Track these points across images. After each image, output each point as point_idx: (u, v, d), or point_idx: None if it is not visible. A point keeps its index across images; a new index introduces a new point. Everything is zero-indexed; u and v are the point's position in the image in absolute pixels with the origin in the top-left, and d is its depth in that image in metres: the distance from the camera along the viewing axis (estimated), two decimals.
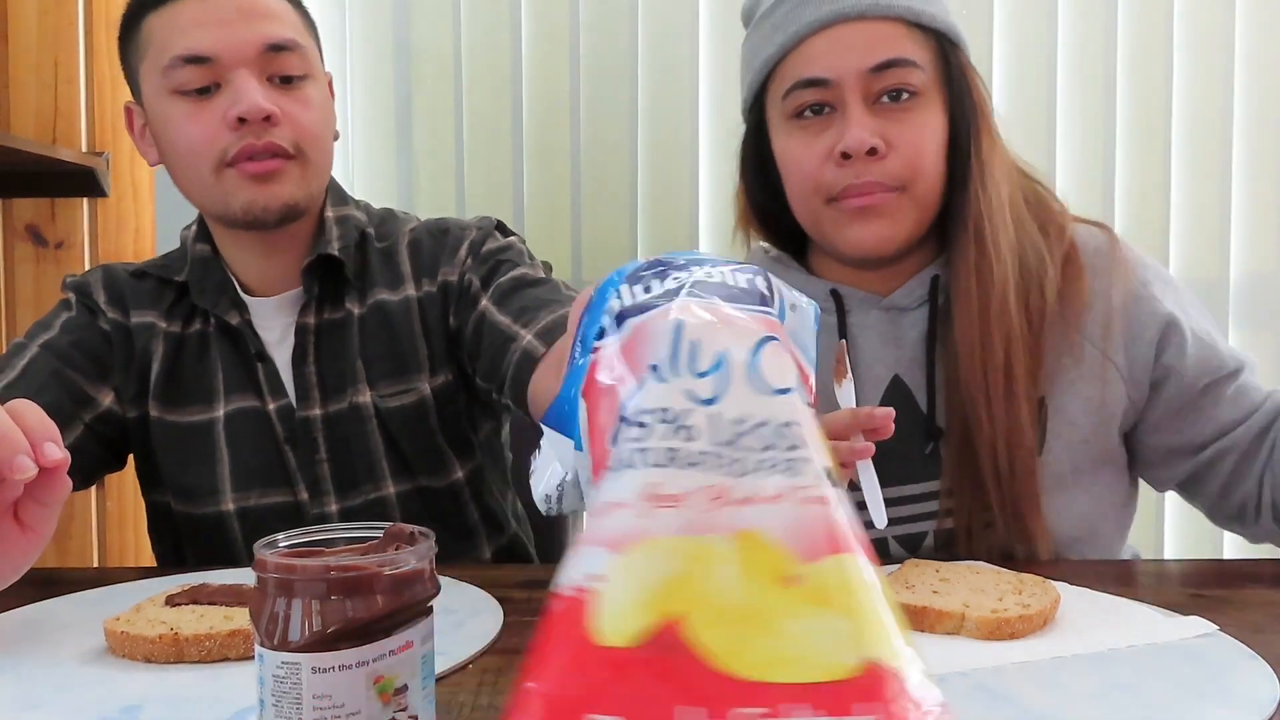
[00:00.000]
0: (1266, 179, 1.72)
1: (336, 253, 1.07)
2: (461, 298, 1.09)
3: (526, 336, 1.00)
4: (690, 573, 0.39)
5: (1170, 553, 1.75)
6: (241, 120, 0.98)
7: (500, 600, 0.80)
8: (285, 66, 1.02)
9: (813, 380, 0.50)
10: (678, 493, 0.41)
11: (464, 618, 0.76)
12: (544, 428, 0.54)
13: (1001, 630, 0.70)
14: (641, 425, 0.42)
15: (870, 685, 0.36)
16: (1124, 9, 1.70)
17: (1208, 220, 1.72)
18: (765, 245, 1.15)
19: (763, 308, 0.48)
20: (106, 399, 1.08)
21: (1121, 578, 0.87)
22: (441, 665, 0.65)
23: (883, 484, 0.85)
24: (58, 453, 0.67)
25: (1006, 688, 0.61)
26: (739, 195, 1.12)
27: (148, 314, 1.10)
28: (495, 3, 1.73)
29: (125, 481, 1.81)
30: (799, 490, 0.41)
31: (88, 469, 1.06)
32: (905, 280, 1.05)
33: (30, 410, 0.68)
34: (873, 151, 0.94)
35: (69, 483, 0.69)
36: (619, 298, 0.49)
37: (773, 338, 0.46)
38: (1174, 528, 1.74)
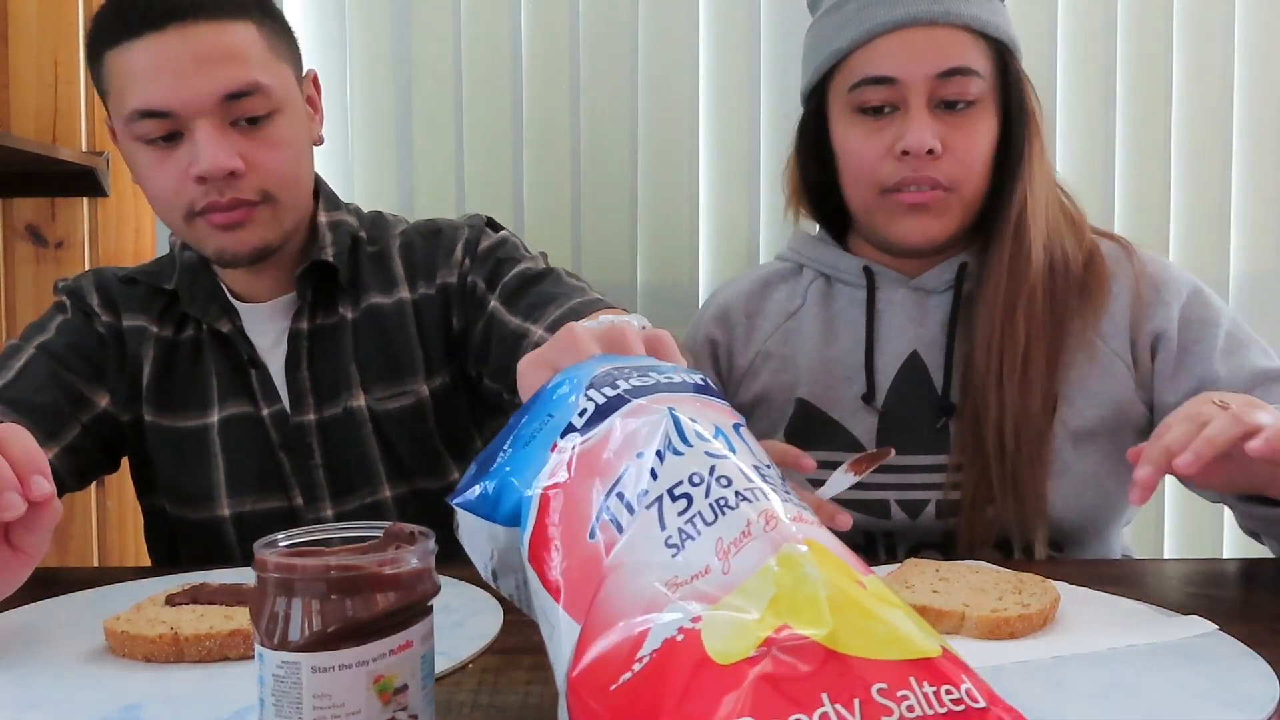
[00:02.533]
0: (1266, 179, 1.72)
1: (331, 259, 1.06)
2: (466, 300, 1.08)
3: (538, 332, 0.99)
4: (784, 579, 0.41)
5: (1170, 553, 1.75)
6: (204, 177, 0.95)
7: (500, 600, 0.80)
8: (248, 109, 0.97)
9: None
10: (744, 530, 0.43)
11: (464, 617, 0.76)
12: (457, 509, 0.55)
13: (1001, 630, 0.70)
14: (684, 497, 0.45)
15: (955, 663, 0.40)
16: (1124, 9, 1.70)
17: (1208, 220, 1.72)
18: (810, 232, 1.21)
19: (721, 399, 0.53)
20: (102, 401, 1.07)
21: (1121, 578, 0.87)
22: (441, 665, 0.65)
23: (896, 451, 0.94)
24: (46, 486, 0.67)
25: (1006, 688, 0.61)
26: (791, 173, 1.18)
27: (139, 318, 1.09)
28: (495, 4, 1.73)
29: (125, 481, 1.80)
30: (819, 525, 0.46)
31: (84, 469, 1.06)
32: (932, 265, 1.11)
33: (16, 440, 0.68)
34: (930, 152, 1.01)
35: (59, 510, 0.70)
36: (589, 400, 0.51)
37: (742, 422, 0.52)
38: (1174, 528, 1.74)
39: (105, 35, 0.97)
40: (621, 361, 0.55)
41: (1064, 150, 1.71)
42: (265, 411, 1.07)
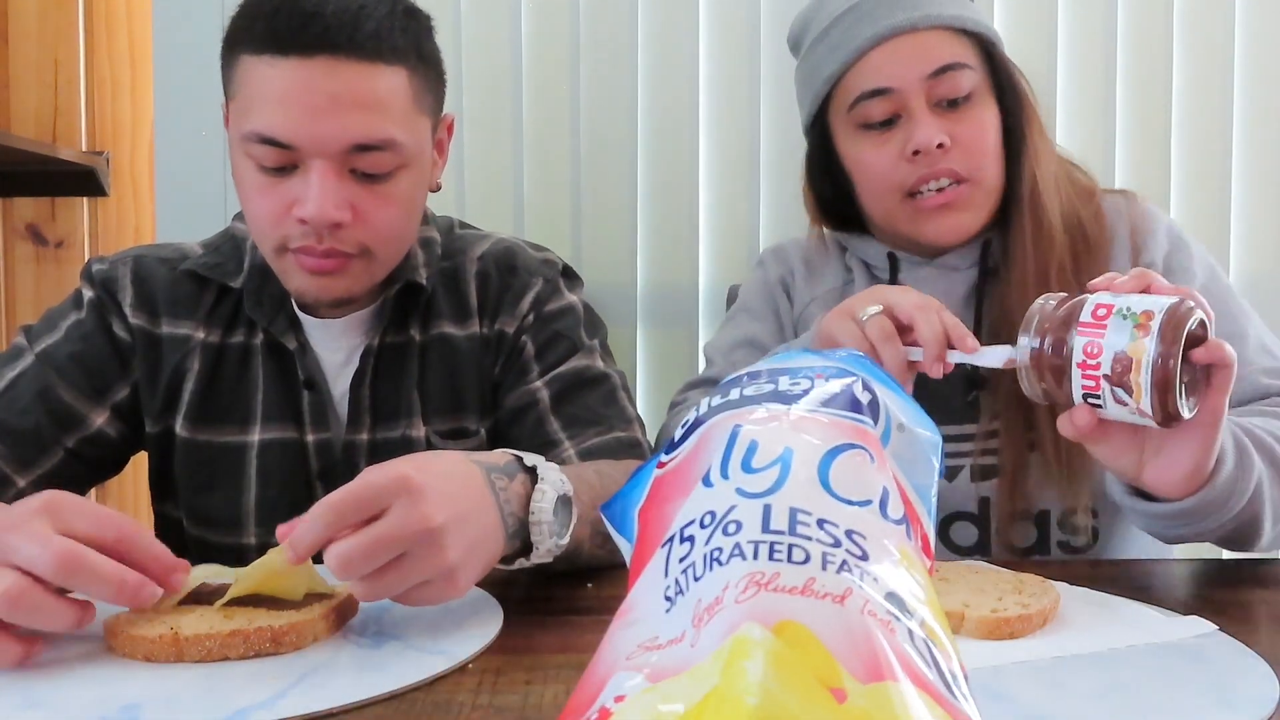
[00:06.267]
0: (1266, 179, 1.72)
1: (424, 281, 1.03)
2: (511, 357, 1.05)
3: (568, 450, 0.97)
4: (729, 669, 0.32)
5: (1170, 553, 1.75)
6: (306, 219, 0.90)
7: (500, 600, 0.80)
8: (371, 165, 0.92)
9: (925, 520, 0.43)
10: (718, 595, 0.35)
11: (464, 617, 0.76)
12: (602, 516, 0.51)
13: (1001, 630, 0.70)
14: (689, 540, 0.38)
15: None
16: (1124, 9, 1.70)
17: (1208, 220, 1.72)
18: (827, 232, 1.24)
19: (853, 414, 0.44)
20: (99, 419, 1.02)
21: (1121, 578, 0.87)
22: (441, 665, 0.65)
23: None
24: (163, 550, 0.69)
25: (1006, 688, 0.61)
26: (806, 196, 1.22)
27: (183, 324, 1.03)
28: (495, 4, 1.73)
29: (125, 481, 1.81)
30: (866, 602, 0.35)
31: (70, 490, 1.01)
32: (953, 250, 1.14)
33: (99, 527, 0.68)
34: (940, 146, 1.04)
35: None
36: (695, 409, 0.45)
37: (855, 445, 0.41)
38: None
39: (248, 37, 0.90)
40: (772, 362, 0.48)
41: (1064, 151, 1.71)
42: (310, 437, 1.02)
